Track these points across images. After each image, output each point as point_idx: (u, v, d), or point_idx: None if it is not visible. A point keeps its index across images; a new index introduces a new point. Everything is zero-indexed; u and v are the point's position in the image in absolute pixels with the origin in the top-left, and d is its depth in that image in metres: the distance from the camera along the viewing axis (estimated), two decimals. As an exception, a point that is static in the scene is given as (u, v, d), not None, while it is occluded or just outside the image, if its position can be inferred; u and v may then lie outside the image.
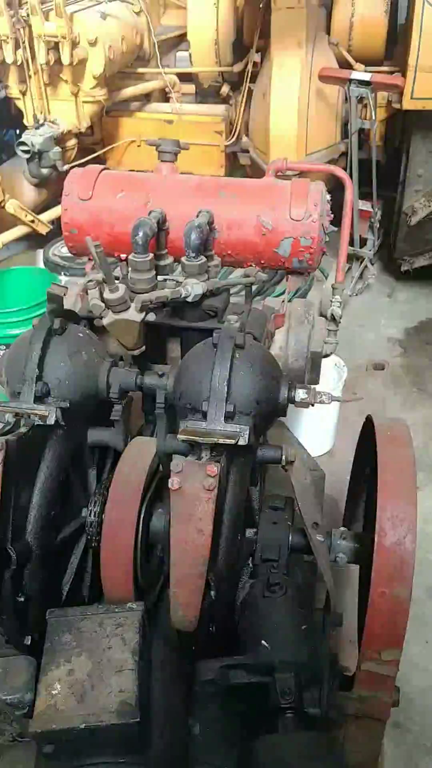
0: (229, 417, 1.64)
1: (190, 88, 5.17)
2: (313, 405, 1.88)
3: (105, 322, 1.88)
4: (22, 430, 1.67)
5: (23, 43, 4.17)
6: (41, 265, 4.49)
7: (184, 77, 5.12)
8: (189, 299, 1.94)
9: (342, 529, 1.78)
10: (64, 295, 1.91)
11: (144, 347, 2.01)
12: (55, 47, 4.17)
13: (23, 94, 4.48)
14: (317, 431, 3.20)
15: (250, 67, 4.96)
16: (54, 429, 1.74)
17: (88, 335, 1.94)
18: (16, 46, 4.17)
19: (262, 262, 2.27)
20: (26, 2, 4.06)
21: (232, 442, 1.57)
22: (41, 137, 4.37)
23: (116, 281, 1.86)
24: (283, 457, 1.80)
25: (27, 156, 4.42)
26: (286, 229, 2.18)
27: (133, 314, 1.87)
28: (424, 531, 2.99)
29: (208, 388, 1.65)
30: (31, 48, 4.20)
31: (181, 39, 5.35)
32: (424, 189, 4.51)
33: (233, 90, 5.13)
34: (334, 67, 4.56)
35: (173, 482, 1.49)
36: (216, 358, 1.67)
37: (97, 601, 1.81)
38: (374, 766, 1.85)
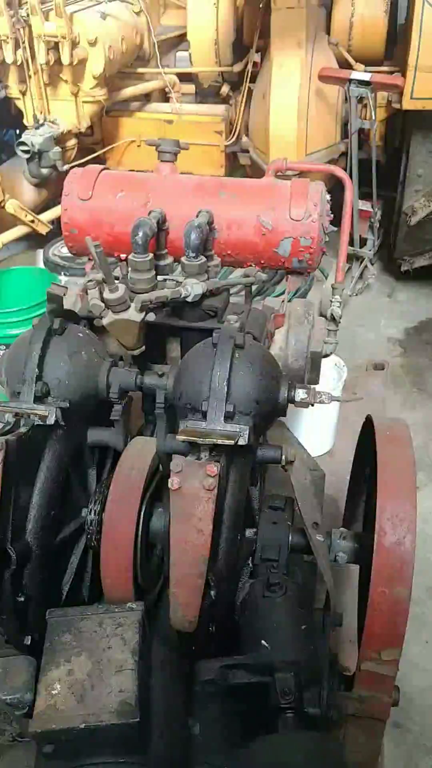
0: (228, 417, 1.64)
1: (190, 88, 5.17)
2: (312, 405, 1.88)
3: (105, 322, 1.88)
4: (22, 430, 1.67)
5: (23, 43, 4.17)
6: (41, 265, 4.49)
7: (184, 77, 5.12)
8: (189, 299, 1.94)
9: (342, 529, 1.78)
10: (64, 295, 1.91)
11: (144, 347, 2.01)
12: (55, 47, 4.17)
13: (23, 94, 4.48)
14: (317, 431, 3.20)
15: (250, 67, 4.96)
16: (54, 429, 1.74)
17: (88, 335, 1.94)
18: (16, 46, 4.17)
19: (262, 262, 2.27)
20: (26, 2, 4.06)
21: (231, 442, 1.57)
22: (41, 137, 4.37)
23: (116, 281, 1.86)
24: (283, 457, 1.80)
25: (27, 156, 4.42)
26: (285, 229, 2.18)
27: (133, 314, 1.87)
28: (424, 531, 3.00)
29: (208, 387, 1.66)
30: (31, 48, 4.20)
31: (181, 39, 5.35)
32: (424, 189, 4.51)
33: (233, 90, 5.13)
34: (334, 67, 4.57)
35: (173, 482, 1.49)
36: (216, 358, 1.67)
37: (97, 601, 1.81)
38: (374, 766, 1.85)
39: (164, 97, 5.18)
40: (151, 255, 1.93)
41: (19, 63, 4.25)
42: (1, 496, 1.53)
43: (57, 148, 4.44)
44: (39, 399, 1.72)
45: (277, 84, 4.37)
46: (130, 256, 1.93)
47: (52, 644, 1.46)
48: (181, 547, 1.49)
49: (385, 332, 4.74)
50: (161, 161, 2.37)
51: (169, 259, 2.13)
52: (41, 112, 4.50)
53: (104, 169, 2.38)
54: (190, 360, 1.81)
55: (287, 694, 1.44)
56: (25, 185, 4.64)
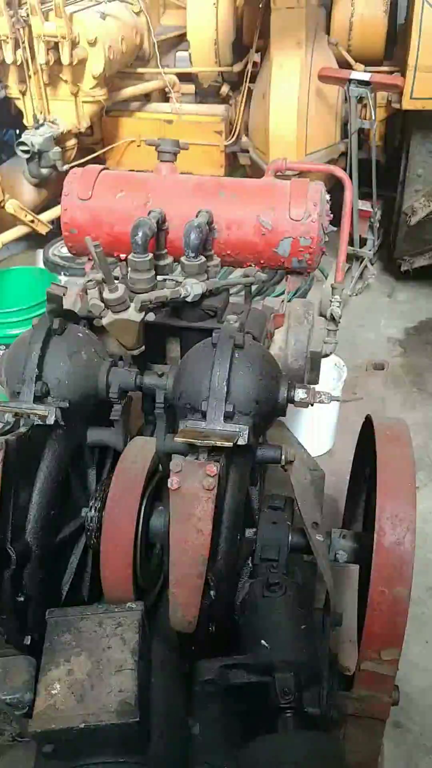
0: (228, 417, 1.64)
1: (190, 88, 5.17)
2: (312, 405, 1.88)
3: (104, 322, 1.88)
4: (22, 430, 1.67)
5: (23, 43, 4.17)
6: (41, 265, 4.49)
7: (184, 77, 5.12)
8: (188, 299, 1.94)
9: (341, 528, 1.78)
10: (64, 295, 1.91)
11: (143, 347, 2.01)
12: (55, 47, 4.17)
13: (23, 94, 4.48)
14: (317, 431, 3.20)
15: (249, 67, 4.96)
16: (53, 429, 1.74)
17: (88, 335, 1.94)
18: (16, 46, 4.17)
19: (262, 262, 2.27)
20: (26, 2, 4.06)
21: (230, 444, 1.56)
22: (41, 137, 4.37)
23: (116, 281, 1.86)
24: (283, 457, 1.80)
25: (27, 156, 4.42)
26: (285, 229, 2.18)
27: (133, 314, 1.87)
28: (424, 531, 3.00)
29: (208, 387, 1.66)
30: (31, 48, 4.20)
31: (180, 39, 5.35)
32: (424, 189, 4.51)
33: (233, 90, 5.13)
34: (334, 67, 4.57)
35: (173, 482, 1.49)
36: (215, 358, 1.67)
37: (96, 601, 1.81)
38: (374, 766, 1.85)
39: (164, 97, 5.18)
40: (150, 255, 1.93)
41: (19, 63, 4.24)
42: (1, 495, 1.53)
43: (57, 148, 4.44)
44: (39, 399, 1.72)
45: (277, 84, 4.37)
46: (129, 256, 1.93)
47: (52, 644, 1.46)
48: (181, 547, 1.49)
49: (385, 332, 4.74)
50: (161, 161, 2.37)
51: (169, 259, 2.13)
52: (41, 112, 4.50)
53: (104, 169, 2.38)
54: (189, 360, 1.81)
55: (287, 694, 1.44)
56: (25, 185, 4.64)
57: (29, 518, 1.68)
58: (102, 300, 1.85)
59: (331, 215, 2.29)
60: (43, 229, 4.52)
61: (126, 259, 1.96)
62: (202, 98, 5.17)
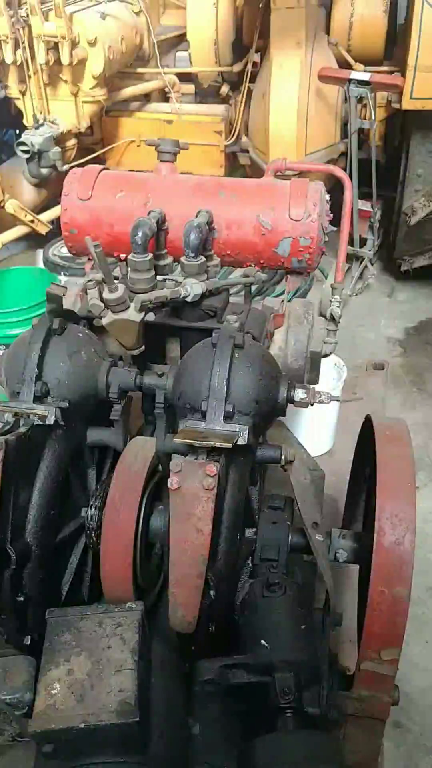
0: (228, 417, 1.64)
1: (190, 88, 5.17)
2: (312, 405, 1.88)
3: (104, 322, 1.88)
4: (22, 429, 1.67)
5: (23, 43, 4.17)
6: (41, 265, 4.49)
7: (184, 77, 5.12)
8: (188, 299, 1.95)
9: (341, 528, 1.78)
10: (64, 295, 1.91)
11: (143, 347, 2.01)
12: (55, 47, 4.17)
13: (23, 94, 4.48)
14: (317, 431, 3.20)
15: (249, 67, 4.96)
16: (53, 429, 1.74)
17: (88, 335, 1.94)
18: (16, 46, 4.17)
19: (262, 262, 2.27)
20: (26, 2, 4.06)
21: (229, 445, 1.56)
22: (41, 137, 4.37)
23: (115, 281, 1.86)
24: (283, 457, 1.80)
25: (27, 156, 4.42)
26: (285, 229, 2.18)
27: (133, 314, 1.87)
28: (424, 531, 3.00)
29: (208, 387, 1.66)
30: (31, 48, 4.20)
31: (180, 39, 5.35)
32: (423, 189, 4.51)
33: (233, 90, 5.13)
34: (334, 67, 4.57)
35: (172, 482, 1.49)
36: (215, 358, 1.67)
37: (96, 600, 1.81)
38: (374, 766, 1.85)
39: (164, 97, 5.18)
40: (150, 255, 1.93)
41: (18, 63, 4.24)
42: (1, 495, 1.53)
43: (57, 148, 4.44)
44: (38, 399, 1.72)
45: (277, 84, 4.37)
46: (129, 256, 1.93)
47: (52, 644, 1.46)
48: (181, 546, 1.49)
49: (385, 332, 4.74)
50: (161, 161, 2.37)
51: (169, 259, 2.13)
52: (41, 112, 4.50)
53: (104, 169, 2.38)
54: (189, 360, 1.81)
55: (287, 694, 1.44)
56: (24, 185, 4.64)
57: (29, 518, 1.68)
58: (102, 300, 1.85)
59: (331, 215, 2.29)
60: (43, 229, 4.52)
61: (126, 259, 1.96)
62: (202, 98, 5.17)
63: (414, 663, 2.67)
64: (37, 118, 4.49)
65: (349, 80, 4.31)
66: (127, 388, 1.91)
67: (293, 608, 1.62)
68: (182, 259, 1.99)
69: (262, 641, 1.54)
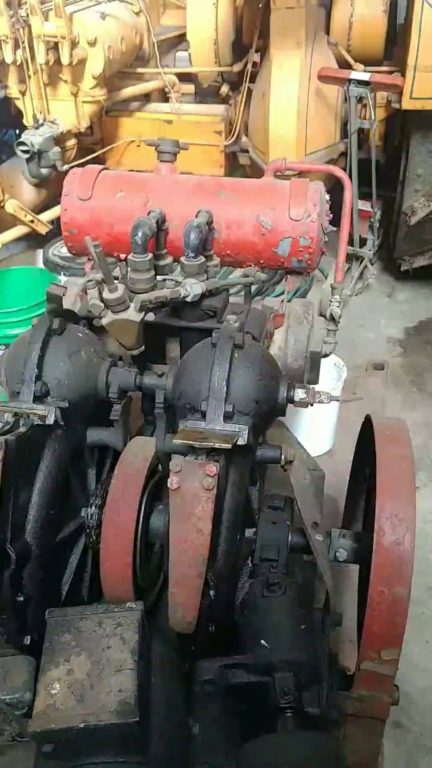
0: (228, 417, 1.64)
1: (190, 88, 5.17)
2: (312, 405, 1.88)
3: (104, 321, 1.88)
4: (22, 429, 1.67)
5: (23, 43, 4.17)
6: (41, 265, 4.49)
7: (184, 77, 5.12)
8: (188, 299, 1.95)
9: (341, 528, 1.78)
10: (64, 295, 1.91)
11: (143, 347, 2.01)
12: (55, 47, 4.17)
13: (23, 94, 4.48)
14: (317, 431, 3.20)
15: (249, 67, 4.96)
16: (53, 429, 1.74)
17: (88, 335, 1.94)
18: (16, 46, 4.17)
19: (262, 262, 2.27)
20: (26, 2, 4.06)
21: (229, 446, 1.56)
22: (41, 137, 4.37)
23: (115, 281, 1.86)
24: (283, 457, 1.80)
25: (26, 156, 4.42)
26: (285, 229, 2.18)
27: (133, 314, 1.87)
28: (424, 531, 3.00)
29: (207, 387, 1.66)
30: (31, 48, 4.20)
31: (180, 39, 5.35)
32: (423, 189, 4.51)
33: (233, 90, 5.13)
34: (334, 67, 4.57)
35: (172, 482, 1.49)
36: (215, 358, 1.67)
37: (96, 600, 1.81)
38: (374, 766, 1.85)
39: (164, 97, 5.18)
40: (150, 255, 1.93)
41: (18, 63, 4.25)
42: (0, 495, 1.53)
43: (56, 148, 4.44)
44: (38, 399, 1.72)
45: (277, 84, 4.37)
46: (129, 256, 1.93)
47: (52, 644, 1.46)
48: (181, 546, 1.49)
49: (385, 332, 4.74)
50: (161, 161, 2.37)
51: (169, 259, 2.13)
52: (41, 112, 4.50)
53: (104, 169, 2.38)
54: (189, 360, 1.82)
55: (287, 694, 1.44)
56: (24, 185, 4.64)
57: (29, 518, 1.68)
58: (102, 300, 1.85)
59: (331, 215, 2.29)
60: (42, 229, 4.52)
61: (126, 259, 1.96)
62: (202, 98, 5.17)
63: (414, 663, 2.67)
64: (37, 118, 4.49)
65: (349, 80, 4.31)
66: (127, 388, 1.91)
67: (293, 608, 1.62)
68: (182, 259, 1.99)
69: (262, 641, 1.54)
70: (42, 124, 4.48)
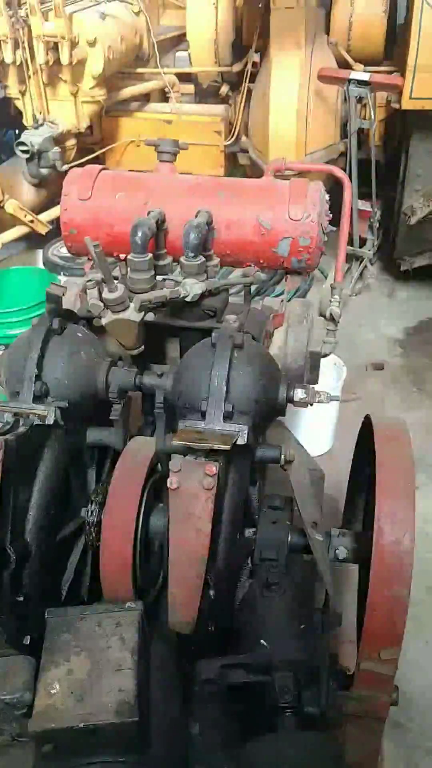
0: (227, 416, 1.64)
1: (190, 88, 5.18)
2: (311, 405, 1.88)
3: (104, 321, 1.88)
4: (21, 429, 1.67)
5: (22, 43, 4.18)
6: (41, 265, 4.49)
7: (184, 77, 5.12)
8: (188, 299, 1.94)
9: (341, 528, 1.78)
10: (63, 294, 1.91)
11: (143, 347, 2.01)
12: (55, 47, 4.17)
13: (22, 94, 4.49)
14: (317, 431, 3.20)
15: (249, 67, 4.96)
16: (53, 429, 1.74)
17: (87, 335, 1.94)
18: (16, 47, 4.18)
19: (261, 262, 2.27)
20: (25, 2, 4.06)
21: (227, 447, 1.56)
22: (40, 137, 4.38)
23: (115, 281, 1.86)
24: (282, 457, 1.80)
25: (26, 156, 4.42)
26: (284, 229, 2.18)
27: (132, 314, 1.87)
28: (424, 531, 2.99)
29: (207, 387, 1.66)
30: (31, 48, 4.20)
31: (180, 39, 5.36)
32: (423, 189, 4.51)
33: (232, 90, 5.14)
34: (333, 67, 4.57)
35: (172, 481, 1.49)
36: (215, 358, 1.67)
37: (96, 601, 1.81)
38: (374, 766, 1.85)
39: (163, 97, 5.18)
40: (150, 255, 1.93)
41: (18, 63, 4.25)
42: (0, 495, 1.53)
43: (56, 149, 4.44)
44: (38, 399, 1.72)
45: (277, 84, 4.37)
46: (129, 256, 1.93)
47: (52, 644, 1.46)
48: (180, 546, 1.49)
49: (385, 332, 4.74)
50: (160, 161, 2.36)
51: (168, 259, 2.13)
52: (40, 113, 4.50)
53: (103, 169, 2.38)
54: (189, 360, 1.82)
55: (286, 694, 1.44)
56: (24, 185, 4.64)
57: (29, 518, 1.68)
58: (101, 300, 1.85)
59: (331, 215, 2.29)
60: (42, 229, 4.53)
61: (125, 259, 1.96)
62: (202, 98, 5.17)
63: (414, 663, 2.67)
64: (37, 118, 4.49)
65: (349, 80, 4.32)
66: (127, 388, 1.91)
67: (293, 608, 1.63)
68: (182, 259, 1.99)
69: (262, 641, 1.54)
70: (42, 124, 4.48)
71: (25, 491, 1.68)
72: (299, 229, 2.17)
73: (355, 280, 4.95)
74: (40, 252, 4.59)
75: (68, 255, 2.91)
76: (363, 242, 4.92)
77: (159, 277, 1.99)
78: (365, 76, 4.30)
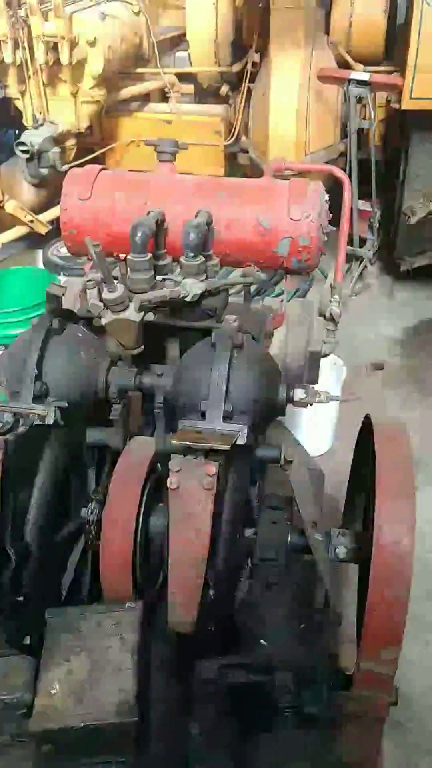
0: (227, 416, 1.64)
1: (190, 88, 5.17)
2: (311, 404, 1.88)
3: (104, 321, 1.88)
4: (21, 429, 1.67)
5: (22, 43, 4.18)
6: (41, 265, 4.49)
7: (184, 77, 5.12)
8: (188, 299, 1.94)
9: (341, 528, 1.78)
10: (63, 295, 1.91)
11: (143, 347, 2.01)
12: (54, 47, 4.17)
13: (22, 94, 4.48)
14: (317, 431, 3.20)
15: (249, 67, 4.95)
16: (53, 429, 1.74)
17: (88, 335, 1.94)
18: (16, 47, 4.18)
19: (261, 262, 2.27)
20: (25, 2, 4.06)
21: (227, 447, 1.56)
22: (40, 137, 4.37)
23: (115, 281, 1.86)
24: (282, 457, 1.80)
25: (26, 156, 4.42)
26: (284, 229, 2.18)
27: (132, 314, 1.87)
28: (424, 531, 2.99)
29: (207, 387, 1.66)
30: (31, 48, 4.20)
31: (180, 39, 5.35)
32: (423, 189, 4.50)
33: (232, 90, 5.13)
34: (333, 67, 4.57)
35: (172, 481, 1.49)
36: (214, 358, 1.67)
37: (96, 600, 1.81)
38: (374, 766, 1.85)
39: (163, 97, 5.18)
40: (150, 255, 1.93)
41: (18, 63, 4.25)
42: (0, 495, 1.53)
43: (56, 149, 4.44)
44: (38, 399, 1.72)
45: (277, 84, 4.37)
46: (129, 256, 1.93)
47: (52, 644, 1.46)
48: (180, 546, 1.49)
49: (385, 332, 4.74)
50: (160, 161, 2.36)
51: (168, 259, 2.13)
52: (40, 113, 4.50)
53: (103, 169, 2.38)
54: (188, 360, 1.82)
55: (286, 694, 1.44)
56: (24, 185, 4.64)
57: (29, 518, 1.68)
58: (101, 300, 1.85)
59: (330, 215, 2.29)
60: (42, 229, 4.52)
61: (125, 259, 1.96)
62: (202, 98, 5.17)
63: (414, 663, 2.66)
64: (37, 118, 4.49)
65: (349, 80, 4.31)
66: (127, 388, 1.92)
67: (293, 608, 1.63)
68: (181, 259, 1.99)
69: (262, 641, 1.54)
70: (41, 124, 4.48)
71: (25, 491, 1.68)
72: (299, 229, 2.17)
73: (355, 280, 4.94)
74: (40, 252, 4.59)
75: (68, 255, 2.90)
76: (363, 242, 4.92)
77: (159, 277, 1.99)
78: (365, 76, 4.29)
